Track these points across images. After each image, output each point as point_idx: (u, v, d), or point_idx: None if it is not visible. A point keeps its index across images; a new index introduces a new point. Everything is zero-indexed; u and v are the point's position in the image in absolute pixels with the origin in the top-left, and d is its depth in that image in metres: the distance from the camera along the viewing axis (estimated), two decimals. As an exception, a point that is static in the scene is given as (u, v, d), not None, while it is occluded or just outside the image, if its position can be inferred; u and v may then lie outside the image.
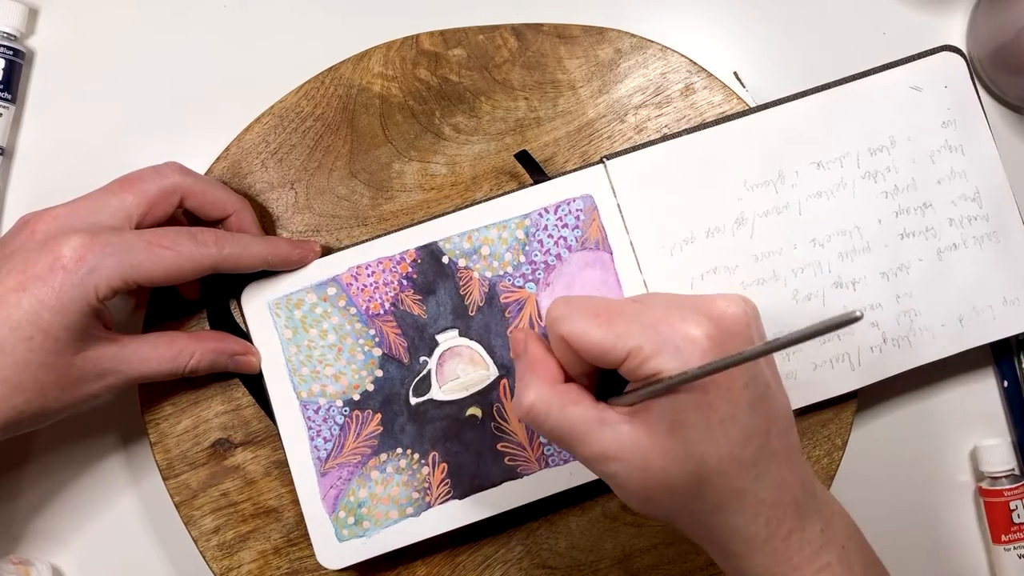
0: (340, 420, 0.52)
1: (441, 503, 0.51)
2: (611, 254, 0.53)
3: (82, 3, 0.60)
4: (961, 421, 0.58)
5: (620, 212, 0.53)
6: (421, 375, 0.52)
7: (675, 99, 0.56)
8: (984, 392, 0.59)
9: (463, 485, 0.52)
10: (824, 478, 0.54)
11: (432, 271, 0.53)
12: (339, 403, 0.52)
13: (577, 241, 0.53)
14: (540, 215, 0.53)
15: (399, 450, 0.52)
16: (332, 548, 0.51)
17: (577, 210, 0.53)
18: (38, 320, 0.43)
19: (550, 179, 0.53)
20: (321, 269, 0.53)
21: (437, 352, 0.52)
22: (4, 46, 0.57)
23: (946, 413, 0.58)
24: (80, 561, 0.56)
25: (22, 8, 0.58)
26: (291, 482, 0.53)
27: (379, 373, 0.52)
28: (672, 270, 0.53)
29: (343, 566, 0.51)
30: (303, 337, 0.52)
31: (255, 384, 0.53)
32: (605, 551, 0.54)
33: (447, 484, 0.52)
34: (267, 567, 0.53)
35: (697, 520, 0.41)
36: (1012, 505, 0.55)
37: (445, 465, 0.52)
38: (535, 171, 0.54)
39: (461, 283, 0.53)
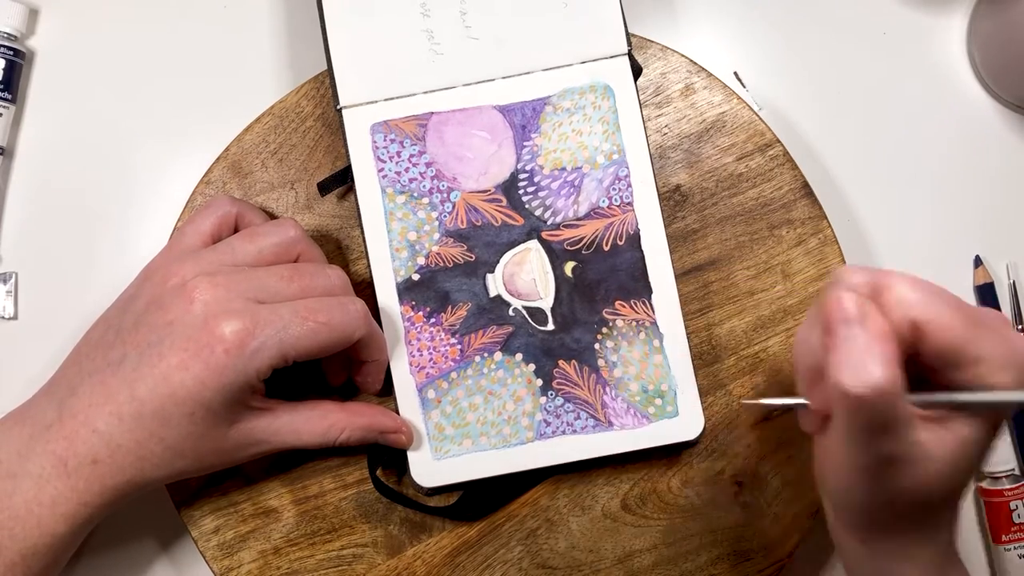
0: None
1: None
2: None
3: (82, 3, 0.60)
4: (961, 421, 0.58)
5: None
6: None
7: (675, 99, 0.56)
8: (984, 392, 0.58)
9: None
10: (824, 478, 0.54)
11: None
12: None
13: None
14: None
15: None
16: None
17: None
18: (199, 397, 0.45)
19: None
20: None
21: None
22: (4, 46, 0.57)
23: (946, 413, 0.58)
24: (80, 560, 0.56)
25: (22, 8, 0.58)
26: (291, 482, 0.53)
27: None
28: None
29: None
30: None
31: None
32: (605, 551, 0.54)
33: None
34: (267, 567, 0.53)
35: (891, 537, 0.42)
36: (1012, 505, 0.55)
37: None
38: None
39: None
